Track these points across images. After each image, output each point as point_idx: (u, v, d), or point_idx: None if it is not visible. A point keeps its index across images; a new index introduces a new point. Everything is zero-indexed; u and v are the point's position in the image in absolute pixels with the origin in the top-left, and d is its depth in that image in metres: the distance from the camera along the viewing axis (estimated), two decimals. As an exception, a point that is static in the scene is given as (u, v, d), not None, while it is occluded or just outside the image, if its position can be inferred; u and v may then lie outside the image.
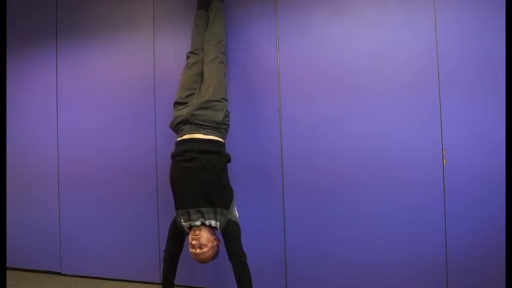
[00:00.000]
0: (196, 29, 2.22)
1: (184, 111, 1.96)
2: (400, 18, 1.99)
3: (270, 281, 2.18)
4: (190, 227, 1.82)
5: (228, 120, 2.02)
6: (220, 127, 1.94)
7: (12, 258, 2.84)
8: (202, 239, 1.75)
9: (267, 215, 2.20)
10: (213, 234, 1.82)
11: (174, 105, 2.06)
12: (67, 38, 2.73)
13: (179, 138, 1.94)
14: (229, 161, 1.95)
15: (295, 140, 2.15)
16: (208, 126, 1.91)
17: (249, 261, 1.81)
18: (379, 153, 2.01)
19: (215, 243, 1.80)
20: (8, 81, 2.90)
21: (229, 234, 1.80)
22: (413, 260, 1.94)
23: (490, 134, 1.84)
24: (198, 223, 1.79)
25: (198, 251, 1.75)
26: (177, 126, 1.98)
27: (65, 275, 2.70)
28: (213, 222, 1.80)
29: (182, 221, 1.83)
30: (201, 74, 2.11)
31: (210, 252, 1.77)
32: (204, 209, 1.80)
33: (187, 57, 2.17)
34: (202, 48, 2.16)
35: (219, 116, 1.93)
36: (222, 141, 1.94)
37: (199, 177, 1.81)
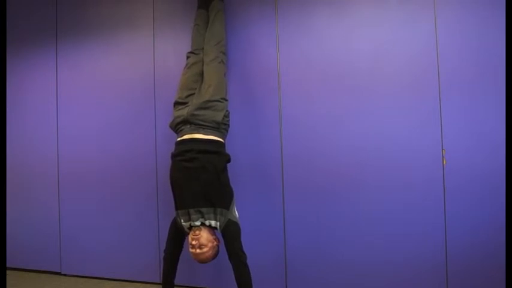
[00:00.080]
0: (196, 28, 2.22)
1: (184, 111, 1.96)
2: (400, 18, 1.99)
3: (270, 281, 2.18)
4: (190, 227, 1.82)
5: (228, 120, 2.02)
6: (220, 127, 1.94)
7: (12, 258, 2.84)
8: (202, 239, 1.75)
9: (267, 215, 2.20)
10: (213, 234, 1.82)
11: (174, 105, 2.06)
12: (67, 38, 2.73)
13: (179, 138, 1.94)
14: (229, 161, 1.95)
15: (295, 140, 2.15)
16: (208, 126, 1.91)
17: (249, 261, 1.81)
18: (379, 153, 2.00)
19: (215, 243, 1.80)
20: (8, 81, 2.90)
21: (229, 234, 1.80)
22: (413, 260, 1.94)
23: (490, 134, 1.84)
24: (198, 223, 1.79)
25: (198, 251, 1.75)
26: (177, 126, 1.98)
27: (65, 275, 2.70)
28: (213, 223, 1.80)
29: (182, 221, 1.83)
30: (201, 74, 2.11)
31: (210, 252, 1.77)
32: (204, 209, 1.80)
33: (187, 57, 2.17)
34: (202, 48, 2.16)
35: (219, 116, 1.93)
36: (222, 141, 1.95)
37: (199, 177, 1.81)
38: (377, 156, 2.01)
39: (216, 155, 1.88)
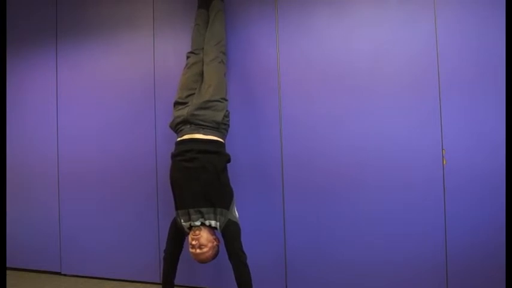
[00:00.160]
0: (196, 28, 2.22)
1: (184, 111, 1.96)
2: (400, 18, 1.99)
3: (270, 281, 2.18)
4: (190, 227, 1.81)
5: (228, 120, 2.02)
6: (220, 127, 1.94)
7: (12, 258, 2.84)
8: (202, 239, 1.75)
9: (267, 215, 2.20)
10: (213, 234, 1.82)
11: (174, 105, 2.06)
12: (67, 38, 2.73)
13: (179, 138, 1.94)
14: (229, 161, 1.95)
15: (295, 140, 2.15)
16: (208, 126, 1.90)
17: (249, 261, 1.81)
18: (379, 153, 2.00)
19: (215, 243, 1.80)
20: (8, 81, 2.90)
21: (229, 234, 1.80)
22: (413, 260, 1.94)
23: (490, 134, 1.84)
24: (198, 223, 1.79)
25: (198, 251, 1.75)
26: (177, 126, 1.98)
27: (65, 275, 2.70)
28: (212, 223, 1.80)
29: (182, 221, 1.83)
30: (201, 74, 2.11)
31: (210, 252, 1.77)
32: (204, 209, 1.80)
33: (187, 57, 2.17)
34: (203, 48, 2.16)
35: (219, 116, 1.93)
36: (221, 141, 1.94)
37: (199, 177, 1.81)
38: (377, 156, 2.01)
39: (216, 155, 1.87)
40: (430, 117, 1.93)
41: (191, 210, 1.80)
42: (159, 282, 2.40)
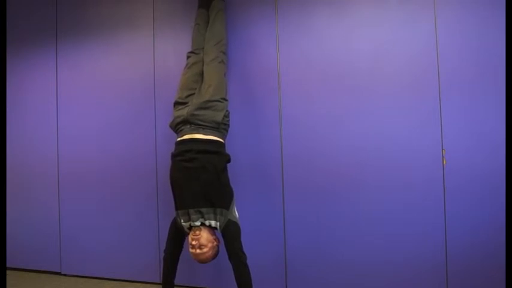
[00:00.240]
0: (196, 28, 2.22)
1: (184, 111, 1.96)
2: (400, 18, 1.99)
3: (270, 281, 2.18)
4: (190, 227, 1.81)
5: (228, 120, 2.01)
6: (220, 127, 1.94)
7: (12, 258, 2.84)
8: (202, 239, 1.75)
9: (267, 215, 2.20)
10: (213, 234, 1.82)
11: (174, 105, 2.06)
12: (67, 38, 2.73)
13: (179, 138, 1.94)
14: (229, 161, 1.95)
15: (295, 140, 2.15)
16: (208, 126, 1.90)
17: (249, 261, 1.81)
18: (379, 153, 2.00)
19: (215, 243, 1.80)
20: (8, 81, 2.90)
21: (229, 235, 1.80)
22: (413, 260, 1.94)
23: (490, 134, 1.84)
24: (197, 223, 1.79)
25: (198, 251, 1.75)
26: (177, 126, 1.98)
27: (65, 275, 2.70)
28: (212, 223, 1.80)
29: (182, 221, 1.83)
30: (201, 74, 2.11)
31: (210, 252, 1.77)
32: (203, 209, 1.80)
33: (188, 57, 2.17)
34: (203, 48, 2.16)
35: (219, 116, 1.93)
36: (221, 141, 1.94)
37: (199, 177, 1.81)
38: (377, 156, 2.01)
39: (216, 155, 1.87)
40: (430, 117, 1.93)
41: (191, 210, 1.80)
42: (159, 282, 2.40)
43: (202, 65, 2.12)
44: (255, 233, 2.19)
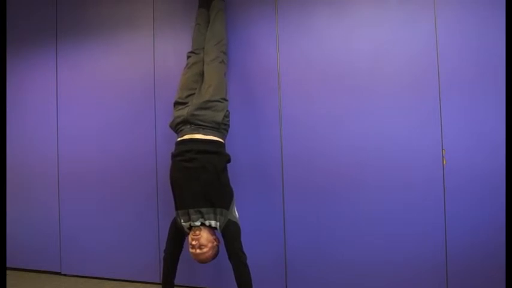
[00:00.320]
0: (197, 28, 2.22)
1: (184, 111, 1.96)
2: (400, 18, 1.99)
3: (270, 281, 2.18)
4: (190, 227, 1.81)
5: (228, 121, 2.01)
6: (220, 127, 1.94)
7: (12, 258, 2.84)
8: (202, 239, 1.75)
9: (267, 215, 2.20)
10: (213, 234, 1.82)
11: (174, 105, 2.06)
12: (67, 38, 2.73)
13: (179, 139, 1.94)
14: (229, 161, 1.95)
15: (295, 140, 2.15)
16: (208, 126, 1.90)
17: (249, 261, 1.81)
18: (379, 153, 2.00)
19: (215, 243, 1.80)
20: (8, 81, 2.90)
21: (229, 235, 1.80)
22: (413, 260, 1.94)
23: (490, 134, 1.84)
24: (197, 223, 1.79)
25: (198, 251, 1.75)
26: (177, 126, 1.98)
27: (65, 275, 2.70)
28: (212, 223, 1.80)
29: (182, 221, 1.83)
30: (202, 74, 2.11)
31: (210, 252, 1.77)
32: (203, 209, 1.80)
33: (188, 57, 2.17)
34: (203, 48, 2.16)
35: (219, 116, 1.93)
36: (221, 142, 1.94)
37: (199, 177, 1.81)
38: (377, 156, 2.01)
39: (216, 155, 1.87)
40: (430, 117, 1.93)
41: (191, 211, 1.80)
42: (159, 282, 2.39)
43: (203, 65, 2.12)
44: (255, 233, 2.19)
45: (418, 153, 1.94)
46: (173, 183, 1.89)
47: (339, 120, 2.08)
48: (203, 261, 1.79)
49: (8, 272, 2.79)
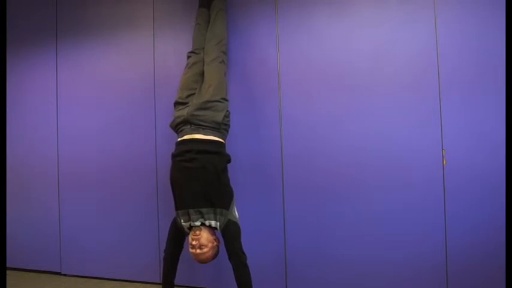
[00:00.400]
0: (197, 27, 2.22)
1: (184, 112, 1.96)
2: (400, 18, 1.99)
3: (270, 281, 2.18)
4: (190, 227, 1.81)
5: (229, 121, 2.01)
6: (221, 127, 1.94)
7: (12, 258, 2.84)
8: (202, 239, 1.75)
9: (267, 215, 2.20)
10: (213, 234, 1.82)
11: (175, 105, 2.06)
12: (67, 38, 2.73)
13: (179, 139, 1.94)
14: (229, 161, 1.95)
15: (295, 140, 2.15)
16: (208, 126, 1.90)
17: (249, 261, 1.81)
18: (379, 153, 2.00)
19: (215, 243, 1.80)
20: (8, 81, 2.90)
21: (229, 235, 1.80)
22: (413, 260, 1.94)
23: (490, 134, 1.84)
24: (197, 223, 1.79)
25: (198, 251, 1.75)
26: (178, 127, 1.98)
27: (65, 275, 2.70)
28: (212, 223, 1.80)
29: (182, 221, 1.83)
30: (202, 74, 2.11)
31: (210, 252, 1.77)
32: (203, 209, 1.80)
33: (188, 57, 2.17)
34: (203, 48, 2.16)
35: (219, 117, 1.93)
36: (222, 142, 1.94)
37: (200, 178, 1.81)
38: (377, 156, 2.01)
39: (216, 155, 1.87)
40: (430, 117, 1.93)
41: (191, 211, 1.80)
42: (159, 282, 2.40)
43: (203, 65, 2.12)
44: (255, 233, 2.19)
45: (418, 153, 1.94)
46: (173, 183, 1.89)
47: (339, 120, 2.08)
48: (203, 261, 1.79)
49: (8, 272, 2.79)
